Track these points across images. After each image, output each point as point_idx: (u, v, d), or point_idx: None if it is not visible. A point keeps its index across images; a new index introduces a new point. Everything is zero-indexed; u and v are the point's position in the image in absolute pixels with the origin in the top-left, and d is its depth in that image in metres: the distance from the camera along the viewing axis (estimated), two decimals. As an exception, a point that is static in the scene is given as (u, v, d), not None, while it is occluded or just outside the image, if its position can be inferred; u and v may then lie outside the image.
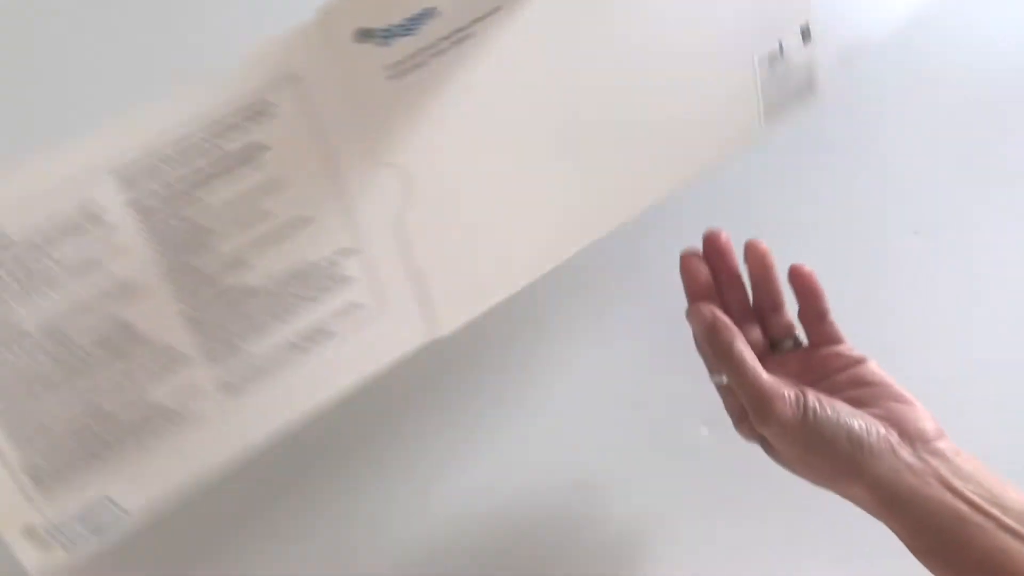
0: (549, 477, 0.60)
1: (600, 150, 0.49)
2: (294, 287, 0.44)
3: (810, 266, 0.53)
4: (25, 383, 0.40)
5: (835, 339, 0.53)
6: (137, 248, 0.40)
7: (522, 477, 0.60)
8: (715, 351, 0.49)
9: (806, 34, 0.53)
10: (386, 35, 0.42)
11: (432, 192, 0.45)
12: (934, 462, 0.47)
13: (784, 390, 0.47)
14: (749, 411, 0.48)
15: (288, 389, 0.45)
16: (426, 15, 0.43)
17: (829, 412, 0.47)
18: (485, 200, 0.47)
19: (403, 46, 0.43)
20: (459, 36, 0.44)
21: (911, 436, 0.48)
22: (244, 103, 0.41)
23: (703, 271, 0.53)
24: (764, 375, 0.48)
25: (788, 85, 0.53)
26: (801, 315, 0.54)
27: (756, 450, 0.52)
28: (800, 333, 0.55)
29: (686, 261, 0.53)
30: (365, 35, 0.42)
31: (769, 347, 0.55)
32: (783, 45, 0.53)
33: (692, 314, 0.51)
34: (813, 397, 0.48)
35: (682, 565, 0.63)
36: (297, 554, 0.57)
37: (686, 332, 0.53)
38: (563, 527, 0.60)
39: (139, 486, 0.43)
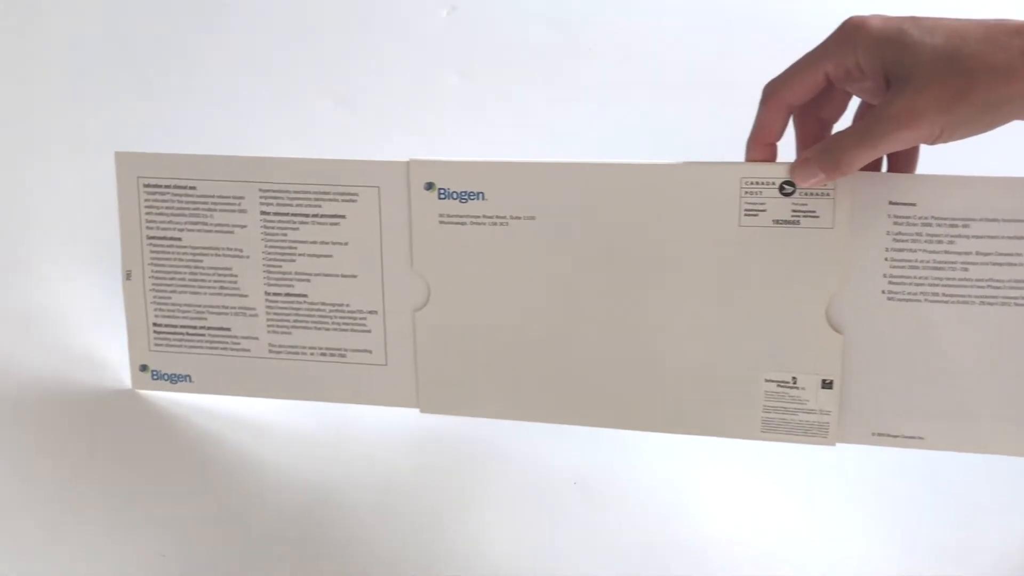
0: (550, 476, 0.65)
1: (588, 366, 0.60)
2: (332, 314, 0.62)
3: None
4: (173, 279, 0.65)
5: None
6: (253, 229, 0.62)
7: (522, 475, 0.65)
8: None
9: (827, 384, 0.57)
10: (442, 194, 0.58)
11: (445, 310, 0.60)
12: None
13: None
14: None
15: (306, 375, 0.64)
16: (475, 195, 0.57)
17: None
18: (488, 337, 0.60)
19: (452, 207, 0.58)
20: (496, 220, 0.58)
21: None
22: (343, 188, 0.59)
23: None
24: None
25: (795, 420, 0.58)
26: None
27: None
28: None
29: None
30: (429, 187, 0.58)
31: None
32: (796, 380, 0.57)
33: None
34: None
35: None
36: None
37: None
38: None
39: (205, 375, 0.66)
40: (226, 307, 0.64)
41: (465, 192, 0.58)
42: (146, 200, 0.64)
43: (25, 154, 0.79)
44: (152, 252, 0.65)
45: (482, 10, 0.85)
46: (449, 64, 0.83)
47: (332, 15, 0.85)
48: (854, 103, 0.55)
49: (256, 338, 0.64)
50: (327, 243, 0.61)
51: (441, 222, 0.58)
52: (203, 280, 0.64)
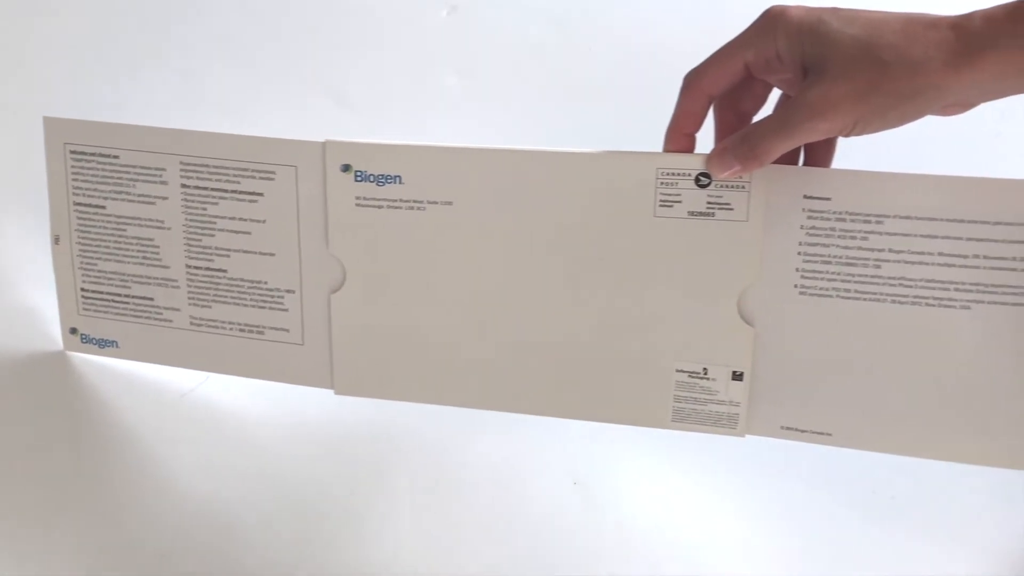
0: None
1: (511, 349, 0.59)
2: (251, 291, 0.62)
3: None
4: (99, 246, 0.64)
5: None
6: (174, 202, 0.61)
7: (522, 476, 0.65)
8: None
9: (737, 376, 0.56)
10: (359, 177, 0.57)
11: (360, 293, 0.60)
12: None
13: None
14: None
15: (226, 350, 0.64)
16: (392, 179, 0.57)
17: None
18: (403, 321, 0.60)
19: (368, 189, 0.57)
20: (413, 204, 0.57)
21: None
22: (260, 165, 0.59)
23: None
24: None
25: (705, 410, 0.57)
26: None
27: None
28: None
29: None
30: (346, 169, 0.57)
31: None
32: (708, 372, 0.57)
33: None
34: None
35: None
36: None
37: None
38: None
39: (131, 342, 0.66)
40: (149, 277, 0.64)
41: (382, 175, 0.57)
42: (73, 167, 0.63)
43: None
44: (79, 219, 0.64)
45: (482, 10, 0.85)
46: (449, 64, 0.83)
47: (332, 14, 0.85)
48: (775, 96, 0.54)
49: (178, 309, 0.64)
50: (245, 220, 0.61)
51: (358, 205, 0.58)
52: (127, 249, 0.64)
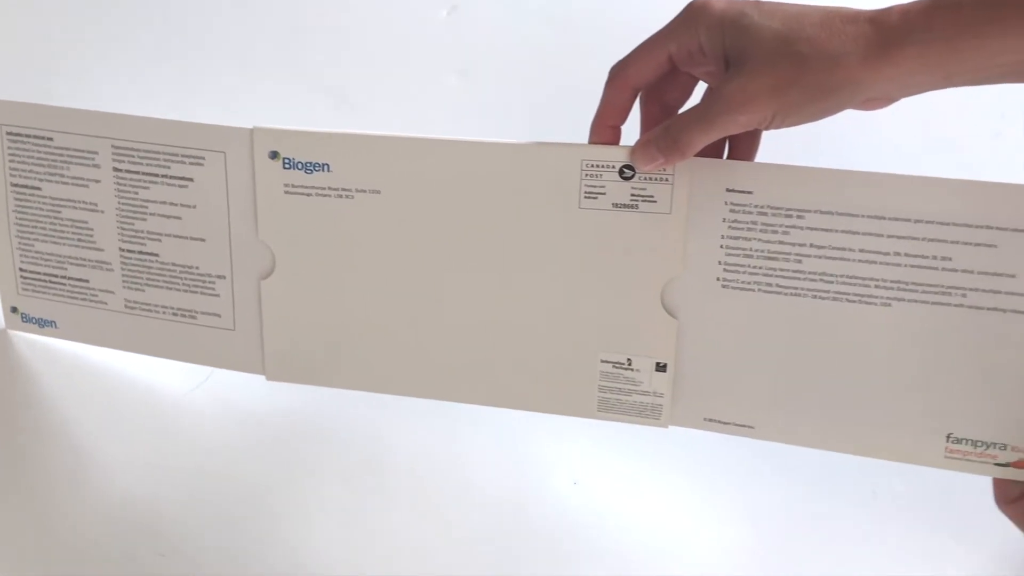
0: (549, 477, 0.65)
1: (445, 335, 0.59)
2: (182, 275, 0.62)
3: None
4: (36, 227, 0.65)
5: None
6: (107, 185, 0.61)
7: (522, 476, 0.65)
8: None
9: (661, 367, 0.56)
10: (287, 164, 0.57)
11: (290, 280, 0.60)
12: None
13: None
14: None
15: (159, 333, 0.64)
16: (320, 167, 0.56)
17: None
18: (332, 309, 0.60)
19: (297, 177, 0.57)
20: (342, 192, 0.57)
21: None
22: (189, 151, 0.59)
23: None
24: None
25: (629, 400, 0.58)
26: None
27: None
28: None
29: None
30: (274, 156, 0.57)
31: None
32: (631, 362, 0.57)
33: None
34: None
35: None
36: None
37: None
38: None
39: (68, 322, 0.66)
40: (84, 259, 0.64)
41: (310, 163, 0.57)
42: (9, 148, 0.63)
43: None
44: (16, 199, 0.64)
45: (482, 10, 0.84)
46: (449, 64, 0.83)
47: (332, 14, 0.85)
48: (701, 88, 0.54)
49: (112, 292, 0.64)
50: (176, 204, 0.60)
51: (286, 192, 0.58)
52: (62, 231, 0.64)
